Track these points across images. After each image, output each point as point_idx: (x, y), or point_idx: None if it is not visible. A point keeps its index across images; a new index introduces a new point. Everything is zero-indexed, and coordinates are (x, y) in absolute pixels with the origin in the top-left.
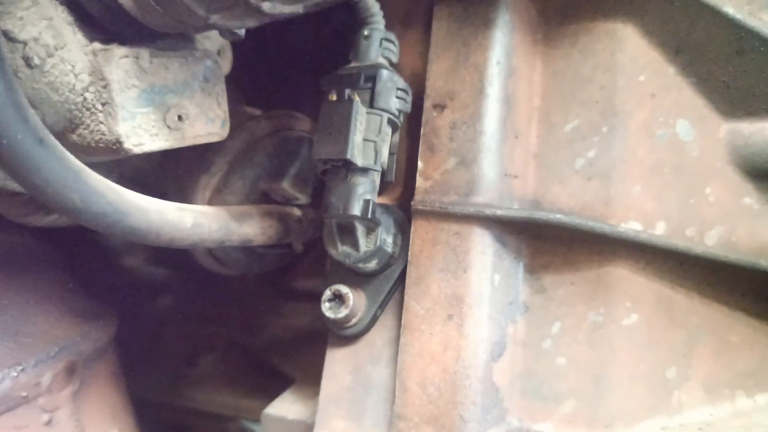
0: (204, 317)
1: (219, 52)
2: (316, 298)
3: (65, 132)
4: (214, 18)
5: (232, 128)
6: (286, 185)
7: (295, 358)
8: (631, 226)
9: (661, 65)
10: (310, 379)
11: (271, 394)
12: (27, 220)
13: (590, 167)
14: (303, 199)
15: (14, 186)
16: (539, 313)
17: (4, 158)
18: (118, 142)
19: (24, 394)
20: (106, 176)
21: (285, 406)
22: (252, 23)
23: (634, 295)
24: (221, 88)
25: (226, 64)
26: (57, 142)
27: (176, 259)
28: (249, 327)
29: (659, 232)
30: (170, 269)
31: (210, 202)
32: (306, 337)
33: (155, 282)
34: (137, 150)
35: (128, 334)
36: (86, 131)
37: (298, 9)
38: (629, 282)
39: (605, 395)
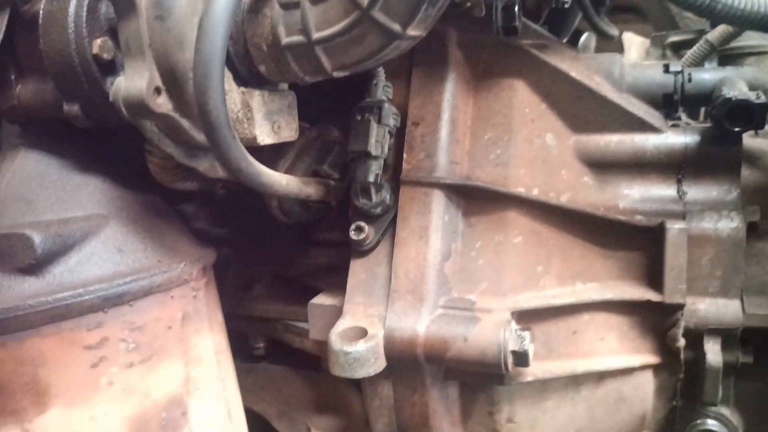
0: (254, 260)
1: None
2: (333, 245)
3: None
4: (307, 78)
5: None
6: (327, 168)
7: (321, 280)
8: (519, 191)
9: (537, 103)
10: (333, 288)
11: (306, 302)
12: (174, 185)
13: (498, 158)
14: (335, 175)
15: (183, 161)
16: (469, 238)
17: (221, 147)
18: (255, 138)
19: (186, 278)
20: None
21: (321, 299)
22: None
23: (519, 227)
24: (295, 112)
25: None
26: (237, 138)
27: (232, 222)
28: (287, 264)
29: (534, 194)
30: (228, 229)
31: None
32: (327, 269)
33: (217, 239)
34: (262, 142)
35: None
36: (236, 132)
37: (346, 71)
38: (517, 220)
39: (502, 279)
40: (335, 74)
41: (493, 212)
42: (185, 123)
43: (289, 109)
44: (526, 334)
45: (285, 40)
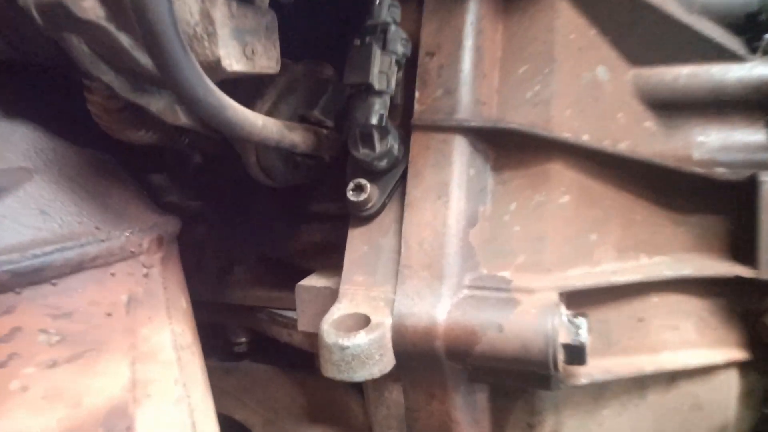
0: (236, 238)
1: None
2: (328, 219)
3: None
4: None
5: (280, 69)
6: (317, 113)
7: (313, 259)
8: (565, 136)
9: (586, 28)
10: (329, 267)
11: (294, 287)
12: (124, 134)
13: (536, 97)
14: (329, 123)
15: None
16: (501, 197)
17: (168, 66)
18: (218, 61)
19: (132, 250)
20: None
21: (313, 280)
22: None
23: (566, 184)
24: (276, 36)
25: None
26: (193, 57)
27: (210, 192)
28: (274, 242)
29: (584, 140)
30: (204, 202)
31: None
32: (322, 248)
33: (191, 213)
34: (229, 69)
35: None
36: (195, 54)
37: None
38: (563, 175)
39: (546, 251)
40: None
41: (531, 164)
42: (125, 39)
43: (268, 32)
44: (582, 321)
45: None
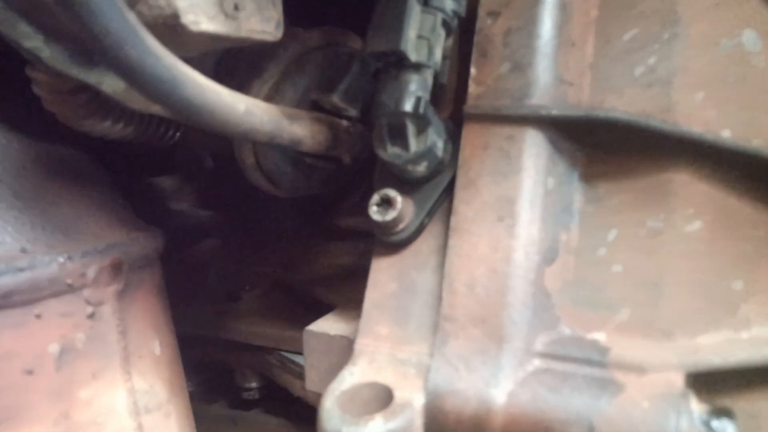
0: (247, 258)
1: None
2: (361, 236)
3: (130, 5)
4: None
5: (287, 38)
6: (336, 99)
7: (338, 289)
8: (694, 131)
9: None
10: (352, 305)
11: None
12: (83, 124)
13: (650, 74)
14: (353, 112)
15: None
16: (594, 221)
17: (83, 16)
18: (176, 16)
19: (70, 281)
20: None
21: (327, 324)
22: None
23: (697, 202)
24: None
25: None
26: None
27: (222, 201)
28: (292, 265)
29: (725, 138)
30: (215, 212)
31: None
32: (350, 274)
33: (201, 225)
34: (194, 28)
35: (174, 274)
36: (145, 7)
37: None
38: (692, 188)
39: (664, 304)
40: None
41: (642, 173)
42: None
43: None
44: (727, 425)
45: None
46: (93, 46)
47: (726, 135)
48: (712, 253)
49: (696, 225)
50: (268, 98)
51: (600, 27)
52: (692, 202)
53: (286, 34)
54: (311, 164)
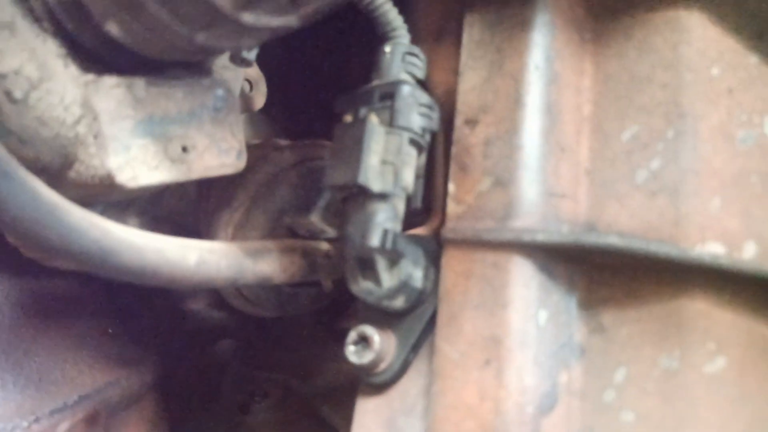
0: (261, 363)
1: (252, 87)
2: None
3: (63, 169)
4: (201, 37)
5: (257, 161)
6: (314, 218)
7: (345, 407)
8: (710, 249)
9: (739, 55)
10: None
11: None
12: (52, 263)
13: (654, 180)
14: (332, 233)
15: None
16: (599, 357)
17: None
18: (110, 176)
19: None
20: (137, 218)
21: None
22: (248, 42)
23: (718, 335)
24: (236, 118)
25: (259, 98)
26: (27, 175)
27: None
28: (303, 372)
29: (748, 255)
30: (230, 313)
31: (233, 239)
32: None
33: (217, 325)
34: (132, 184)
35: (187, 378)
36: (82, 167)
37: (290, 21)
38: (711, 318)
39: None
40: (247, 18)
41: (652, 298)
42: None
43: (219, 114)
44: None
45: None
46: (10, 233)
47: (750, 251)
48: (743, 396)
49: (719, 363)
50: (239, 226)
51: (595, 125)
52: (712, 335)
53: (258, 157)
54: (292, 292)
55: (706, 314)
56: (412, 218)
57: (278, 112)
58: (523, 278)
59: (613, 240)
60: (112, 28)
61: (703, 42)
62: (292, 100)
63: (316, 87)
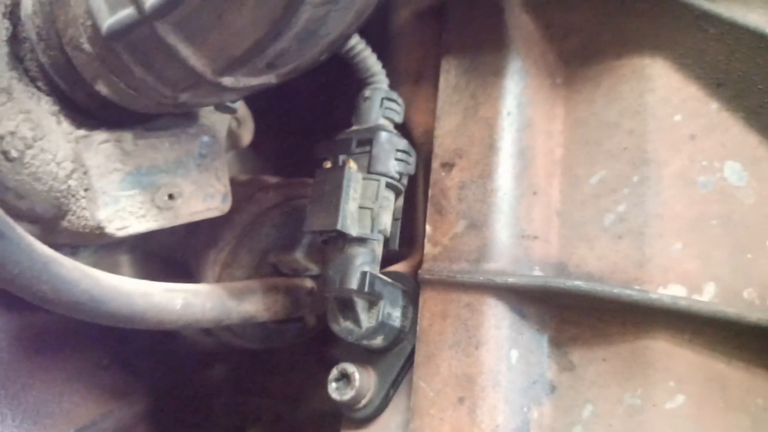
0: (252, 388)
1: (239, 124)
2: None
3: (56, 219)
4: (184, 97)
5: (243, 201)
6: (298, 256)
7: None
8: (672, 291)
9: (700, 102)
10: None
11: None
12: None
13: (620, 224)
14: (315, 269)
15: None
16: (568, 393)
17: None
18: (100, 227)
19: None
20: (129, 255)
21: None
22: (230, 98)
23: (678, 373)
24: (221, 163)
25: (247, 135)
26: (22, 233)
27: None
28: (293, 399)
29: (707, 296)
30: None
31: (219, 278)
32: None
33: (206, 351)
34: (121, 234)
35: (179, 403)
36: (74, 217)
37: (269, 80)
38: (672, 357)
39: None
40: (227, 82)
41: (617, 338)
42: None
43: (204, 161)
44: None
45: (107, 22)
46: (9, 289)
47: (709, 291)
48: (701, 431)
49: (678, 400)
50: (226, 265)
51: (566, 167)
52: (672, 374)
53: (244, 196)
54: (277, 328)
55: (667, 353)
56: (390, 258)
57: (266, 146)
58: (495, 319)
59: (579, 284)
60: (102, 88)
61: (666, 90)
62: (280, 134)
63: (306, 120)
